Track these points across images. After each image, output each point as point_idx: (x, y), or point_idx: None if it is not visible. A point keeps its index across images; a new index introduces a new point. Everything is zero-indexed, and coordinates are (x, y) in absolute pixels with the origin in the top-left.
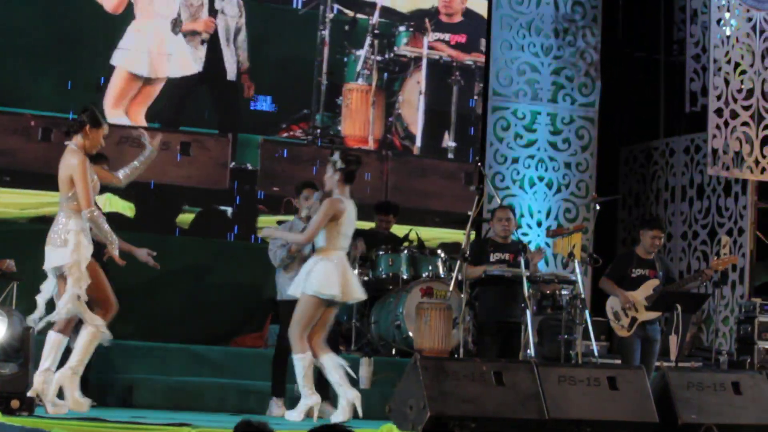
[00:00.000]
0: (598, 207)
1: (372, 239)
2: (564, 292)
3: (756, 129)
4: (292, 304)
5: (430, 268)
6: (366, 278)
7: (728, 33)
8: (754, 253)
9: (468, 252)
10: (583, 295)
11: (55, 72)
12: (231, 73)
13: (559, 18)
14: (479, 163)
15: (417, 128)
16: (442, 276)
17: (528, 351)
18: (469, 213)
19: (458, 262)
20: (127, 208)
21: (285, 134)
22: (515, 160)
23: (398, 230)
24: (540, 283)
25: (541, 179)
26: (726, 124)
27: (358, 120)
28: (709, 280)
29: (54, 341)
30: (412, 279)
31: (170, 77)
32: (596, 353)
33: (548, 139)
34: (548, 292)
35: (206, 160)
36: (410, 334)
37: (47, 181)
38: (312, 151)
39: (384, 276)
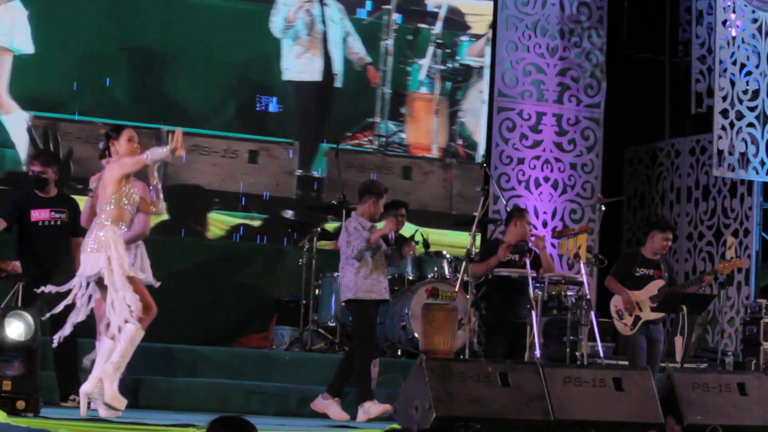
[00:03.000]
0: (603, 208)
1: None
2: (569, 293)
3: (761, 130)
4: (367, 304)
5: (436, 269)
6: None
7: (734, 34)
8: (760, 254)
9: (476, 252)
10: (588, 296)
11: (126, 82)
12: (339, 81)
13: (564, 19)
14: (484, 164)
15: (480, 136)
16: (448, 277)
17: (534, 352)
18: (475, 214)
19: (464, 263)
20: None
21: (351, 142)
22: (521, 161)
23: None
24: (547, 283)
25: (546, 180)
26: (731, 125)
27: (421, 128)
28: (709, 285)
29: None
30: (418, 280)
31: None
32: (602, 354)
33: (554, 140)
34: (554, 293)
35: (274, 168)
36: (416, 334)
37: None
38: (377, 159)
39: (389, 277)
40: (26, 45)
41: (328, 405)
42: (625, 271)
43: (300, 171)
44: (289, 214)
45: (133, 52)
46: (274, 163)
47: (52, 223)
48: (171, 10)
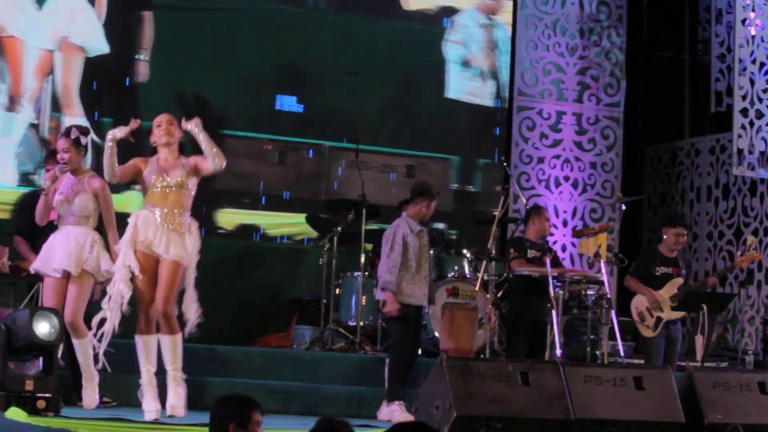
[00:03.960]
0: (623, 207)
1: None
2: (590, 292)
3: None
4: (405, 307)
5: (456, 268)
6: None
7: (753, 33)
8: None
9: (511, 251)
10: (609, 295)
11: (289, 98)
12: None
13: (584, 18)
14: (505, 164)
15: None
16: (468, 276)
17: (554, 351)
18: (495, 212)
19: (484, 263)
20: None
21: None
22: (541, 160)
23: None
24: (567, 283)
25: (566, 179)
26: (751, 123)
27: None
28: (729, 284)
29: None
30: (438, 279)
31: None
32: (622, 353)
33: (574, 139)
34: (574, 292)
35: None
36: (436, 334)
37: (282, 203)
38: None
39: None
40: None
41: (393, 411)
42: (645, 270)
43: (456, 185)
44: (442, 226)
45: (295, 69)
46: (431, 178)
47: None
48: (332, 29)
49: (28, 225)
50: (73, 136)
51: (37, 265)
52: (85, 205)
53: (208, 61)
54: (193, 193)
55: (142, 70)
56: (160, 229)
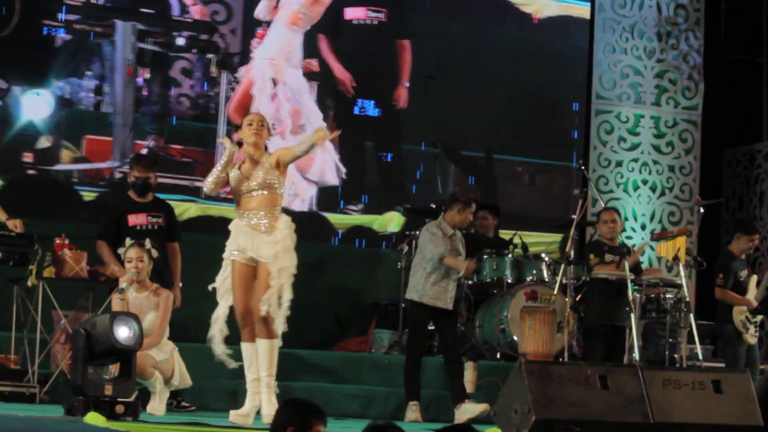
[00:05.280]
0: (702, 210)
1: (476, 243)
2: (668, 295)
3: None
4: (428, 309)
5: (534, 271)
6: (470, 282)
7: None
8: None
9: (587, 254)
10: (687, 299)
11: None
12: None
13: (661, 21)
14: (583, 167)
15: None
16: (547, 280)
17: (632, 354)
18: (573, 216)
19: (562, 266)
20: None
21: None
22: (619, 164)
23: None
24: (645, 286)
25: (645, 182)
26: None
27: None
28: None
29: None
30: (517, 283)
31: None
32: (701, 357)
33: (652, 143)
34: (653, 295)
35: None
36: (515, 337)
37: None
38: None
39: (488, 280)
40: None
41: (465, 411)
42: (733, 278)
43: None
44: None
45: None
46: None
47: (149, 227)
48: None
49: (111, 229)
50: (147, 247)
51: None
52: (155, 321)
53: (463, 85)
54: (281, 190)
55: (403, 96)
56: (250, 234)
